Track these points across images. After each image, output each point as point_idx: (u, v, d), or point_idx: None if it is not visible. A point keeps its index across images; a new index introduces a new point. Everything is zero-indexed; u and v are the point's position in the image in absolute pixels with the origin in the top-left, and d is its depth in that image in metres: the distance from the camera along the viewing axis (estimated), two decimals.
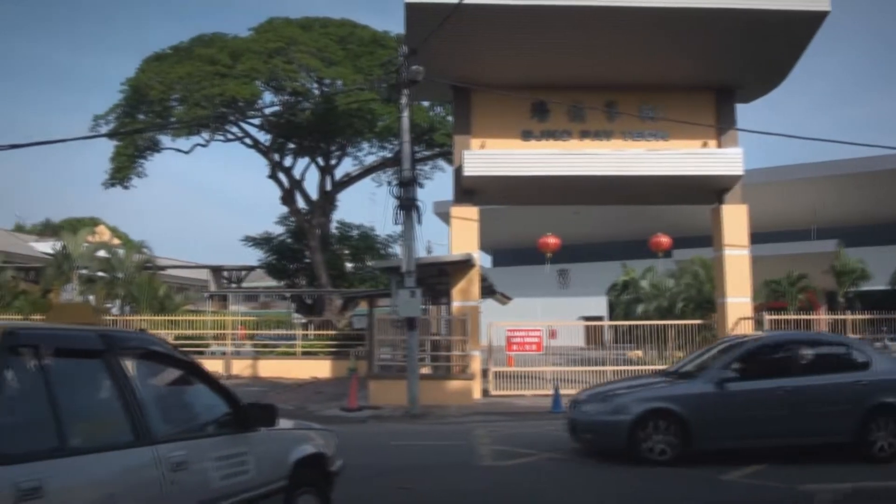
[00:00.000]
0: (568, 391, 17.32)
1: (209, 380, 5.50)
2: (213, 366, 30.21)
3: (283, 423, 6.17)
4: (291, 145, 39.49)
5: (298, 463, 5.90)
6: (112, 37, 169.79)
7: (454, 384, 20.30)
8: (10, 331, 3.93)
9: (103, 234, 54.35)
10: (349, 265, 41.89)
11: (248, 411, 5.49)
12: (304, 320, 37.35)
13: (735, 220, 22.34)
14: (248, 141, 38.77)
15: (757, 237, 24.05)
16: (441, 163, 38.91)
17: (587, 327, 25.14)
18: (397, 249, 38.89)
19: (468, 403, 19.70)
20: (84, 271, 36.21)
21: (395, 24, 47.17)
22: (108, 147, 40.41)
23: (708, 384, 11.75)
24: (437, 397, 19.28)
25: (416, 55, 18.62)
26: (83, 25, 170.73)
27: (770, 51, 20.92)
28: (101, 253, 37.36)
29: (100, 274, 36.37)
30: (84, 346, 4.44)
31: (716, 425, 11.49)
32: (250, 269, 46.97)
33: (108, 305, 36.14)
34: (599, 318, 30.82)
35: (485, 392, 21.49)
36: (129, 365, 4.63)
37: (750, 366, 12.22)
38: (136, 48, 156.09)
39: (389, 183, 28.09)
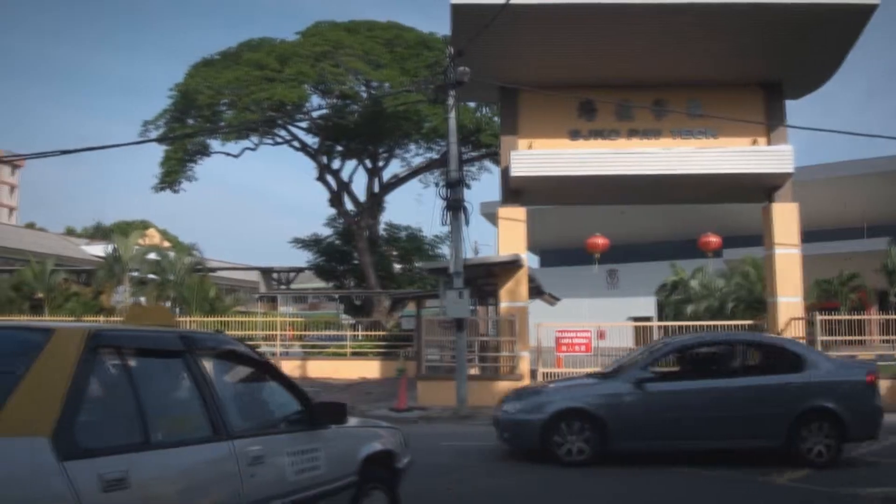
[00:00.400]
0: None
1: (282, 378, 5.68)
2: None
3: (352, 421, 6.31)
4: (339, 148, 39.81)
5: (367, 459, 6.03)
6: (161, 44, 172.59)
7: (502, 385, 20.26)
8: (96, 332, 4.10)
9: (153, 237, 55.22)
10: (397, 266, 42.09)
11: (320, 409, 5.66)
12: (352, 321, 37.61)
13: (785, 218, 22.06)
14: (296, 144, 39.18)
15: (807, 236, 23.75)
16: (488, 164, 39.01)
17: (636, 328, 24.92)
18: (445, 250, 39.06)
19: None
20: (135, 274, 36.76)
21: (441, 26, 47.29)
22: (158, 152, 41.16)
23: (626, 384, 11.64)
24: (485, 398, 19.26)
25: (463, 56, 18.70)
26: (134, 34, 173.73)
27: (819, 45, 20.64)
28: (152, 255, 37.93)
29: (151, 276, 36.93)
30: (164, 346, 4.64)
31: (632, 426, 11.38)
32: (299, 270, 47.36)
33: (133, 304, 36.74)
34: (648, 319, 30.57)
35: None
36: (207, 364, 4.81)
37: (673, 366, 12.30)
38: (185, 54, 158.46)
39: (437, 184, 28.21)
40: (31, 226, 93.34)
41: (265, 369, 5.71)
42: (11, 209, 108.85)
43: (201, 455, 4.42)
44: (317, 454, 5.39)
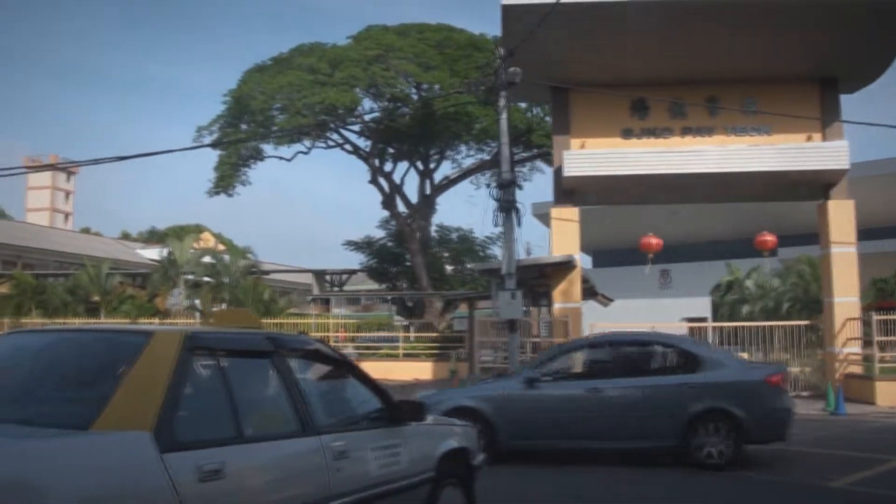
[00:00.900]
0: None
1: (364, 377, 5.87)
2: None
3: (429, 419, 6.47)
4: (391, 150, 40.03)
5: (444, 456, 6.18)
6: (215, 51, 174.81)
7: None
8: (191, 335, 4.38)
9: (208, 240, 55.87)
10: (449, 268, 42.18)
11: (400, 406, 5.83)
12: (405, 323, 37.81)
13: (841, 216, 21.78)
14: (348, 147, 39.49)
15: (863, 234, 23.42)
16: (539, 164, 38.97)
17: (691, 329, 24.74)
18: (496, 251, 39.08)
19: None
20: (190, 277, 37.28)
21: (491, 27, 47.41)
22: (212, 157, 41.72)
23: (518, 384, 11.68)
24: None
25: (513, 57, 18.72)
26: (188, 41, 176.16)
27: (873, 39, 20.41)
28: (207, 259, 38.44)
29: (205, 279, 37.43)
30: (253, 346, 4.88)
31: (520, 425, 11.34)
32: (352, 272, 47.69)
33: (214, 309, 37.20)
34: (703, 320, 30.28)
35: None
36: (293, 363, 5.05)
37: (566, 366, 12.24)
38: (238, 61, 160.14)
39: (488, 185, 28.13)
40: (86, 230, 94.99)
41: (348, 368, 5.92)
42: (67, 214, 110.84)
43: (290, 449, 4.64)
44: (397, 450, 5.57)
